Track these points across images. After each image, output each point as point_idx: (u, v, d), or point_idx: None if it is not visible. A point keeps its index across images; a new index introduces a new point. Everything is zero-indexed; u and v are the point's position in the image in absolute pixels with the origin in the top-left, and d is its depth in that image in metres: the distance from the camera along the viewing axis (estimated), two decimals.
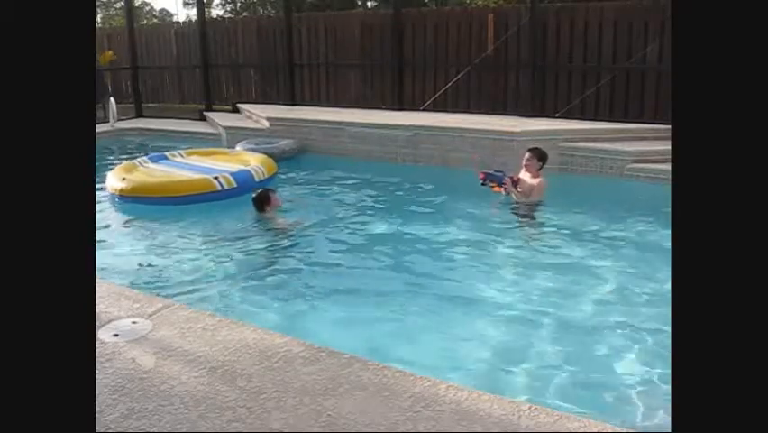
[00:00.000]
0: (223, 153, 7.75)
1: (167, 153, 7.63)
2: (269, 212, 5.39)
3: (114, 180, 6.41)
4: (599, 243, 4.83)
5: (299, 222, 5.43)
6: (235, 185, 6.20)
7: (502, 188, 5.71)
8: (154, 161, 7.33)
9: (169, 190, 6.20)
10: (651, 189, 6.14)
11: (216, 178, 6.26)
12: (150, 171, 6.91)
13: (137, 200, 6.22)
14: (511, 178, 5.67)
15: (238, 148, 8.17)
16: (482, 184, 5.75)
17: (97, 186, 6.79)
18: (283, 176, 7.22)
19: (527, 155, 5.72)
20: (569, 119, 8.10)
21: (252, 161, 6.97)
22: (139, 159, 7.40)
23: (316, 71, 10.64)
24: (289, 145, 8.32)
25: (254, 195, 5.45)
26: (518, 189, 5.65)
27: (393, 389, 1.92)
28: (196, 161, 7.36)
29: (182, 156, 7.57)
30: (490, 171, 5.78)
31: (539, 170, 5.68)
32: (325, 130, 8.56)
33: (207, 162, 7.23)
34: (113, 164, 7.46)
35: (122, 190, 6.23)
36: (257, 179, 6.46)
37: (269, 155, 7.49)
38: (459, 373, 3.01)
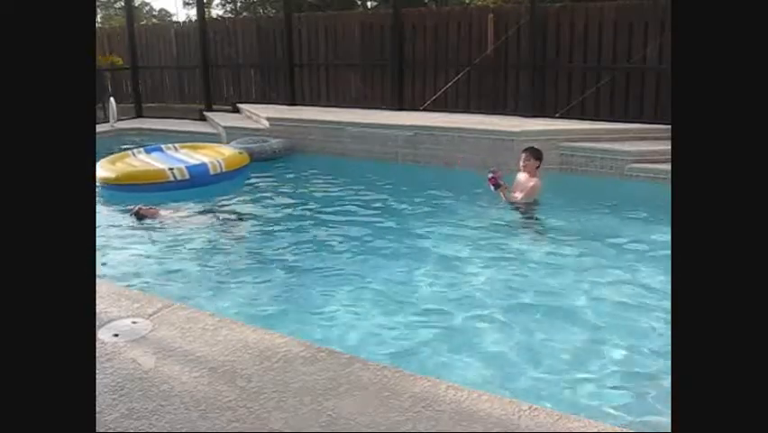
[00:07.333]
0: (207, 147, 7.95)
1: (162, 146, 7.86)
2: (156, 219, 5.47)
3: (97, 168, 6.69)
4: (599, 243, 4.83)
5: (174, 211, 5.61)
6: (188, 177, 6.50)
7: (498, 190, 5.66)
8: (148, 152, 7.62)
9: (129, 179, 6.52)
10: (651, 189, 6.13)
11: (171, 169, 6.54)
12: (131, 161, 7.20)
13: (108, 188, 6.50)
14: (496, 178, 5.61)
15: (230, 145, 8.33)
16: (496, 188, 5.61)
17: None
18: (287, 175, 7.31)
19: (524, 155, 5.71)
20: (569, 119, 8.09)
21: (226, 154, 7.24)
22: (135, 149, 7.72)
23: (316, 71, 10.63)
24: (280, 144, 8.40)
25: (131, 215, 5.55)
26: (511, 191, 5.64)
27: (393, 389, 1.92)
28: (183, 154, 7.57)
29: (175, 149, 7.79)
30: (493, 174, 5.63)
31: (537, 168, 5.66)
32: (325, 130, 8.55)
33: (186, 155, 7.44)
34: None
35: (97, 178, 6.53)
36: (212, 173, 6.70)
37: (260, 153, 7.81)
38: (460, 372, 3.02)
